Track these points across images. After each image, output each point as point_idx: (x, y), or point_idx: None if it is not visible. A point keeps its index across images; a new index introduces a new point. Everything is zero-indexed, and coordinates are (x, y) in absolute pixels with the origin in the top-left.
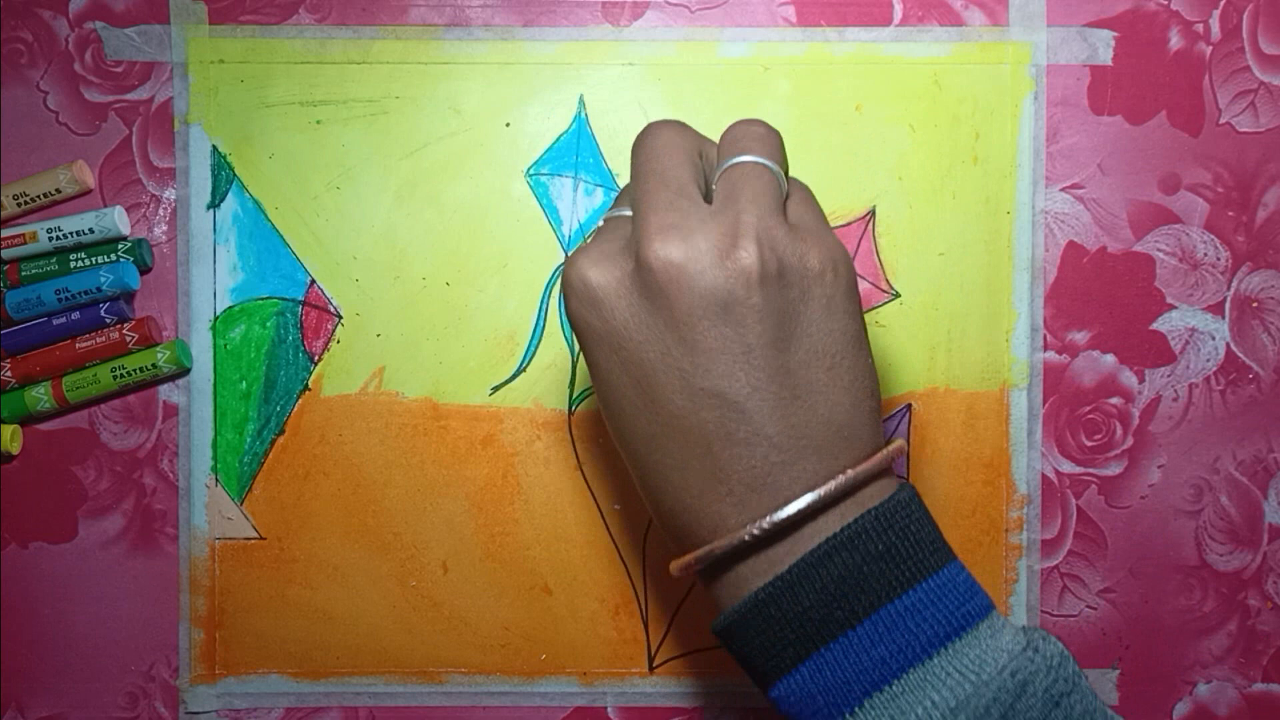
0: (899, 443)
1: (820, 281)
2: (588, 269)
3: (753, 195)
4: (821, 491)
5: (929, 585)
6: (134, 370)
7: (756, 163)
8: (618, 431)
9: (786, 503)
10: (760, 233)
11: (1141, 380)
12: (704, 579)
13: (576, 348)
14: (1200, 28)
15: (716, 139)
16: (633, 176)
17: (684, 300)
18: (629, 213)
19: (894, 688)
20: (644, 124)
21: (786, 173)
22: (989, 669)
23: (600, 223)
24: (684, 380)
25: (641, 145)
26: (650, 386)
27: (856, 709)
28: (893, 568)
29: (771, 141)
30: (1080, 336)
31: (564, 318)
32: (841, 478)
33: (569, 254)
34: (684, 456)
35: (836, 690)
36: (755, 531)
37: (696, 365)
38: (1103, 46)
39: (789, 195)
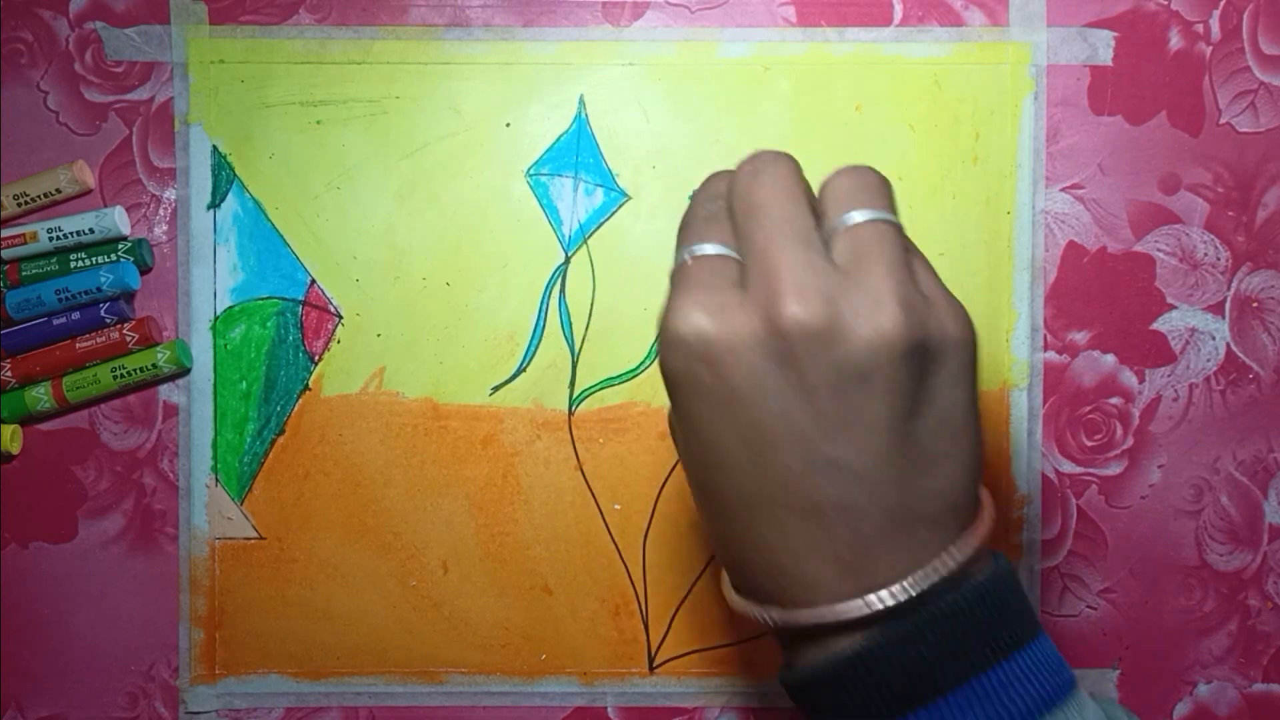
0: (990, 509)
1: (955, 352)
2: (703, 322)
3: (890, 260)
4: (940, 570)
5: (1022, 657)
6: (134, 370)
7: (886, 222)
8: (709, 487)
9: (896, 576)
10: (903, 302)
11: (1142, 380)
12: (779, 634)
13: (577, 347)
14: (1200, 28)
15: (716, 139)
16: (752, 217)
17: (819, 367)
18: (727, 252)
19: None
20: (645, 124)
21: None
22: None
23: (688, 260)
24: (805, 446)
25: (760, 181)
26: (762, 449)
27: None
28: (989, 639)
29: (889, 194)
30: (1080, 336)
31: (565, 317)
32: (952, 558)
33: (671, 301)
34: (788, 520)
35: None
36: (873, 606)
37: (822, 432)
38: (1103, 46)
39: (913, 257)
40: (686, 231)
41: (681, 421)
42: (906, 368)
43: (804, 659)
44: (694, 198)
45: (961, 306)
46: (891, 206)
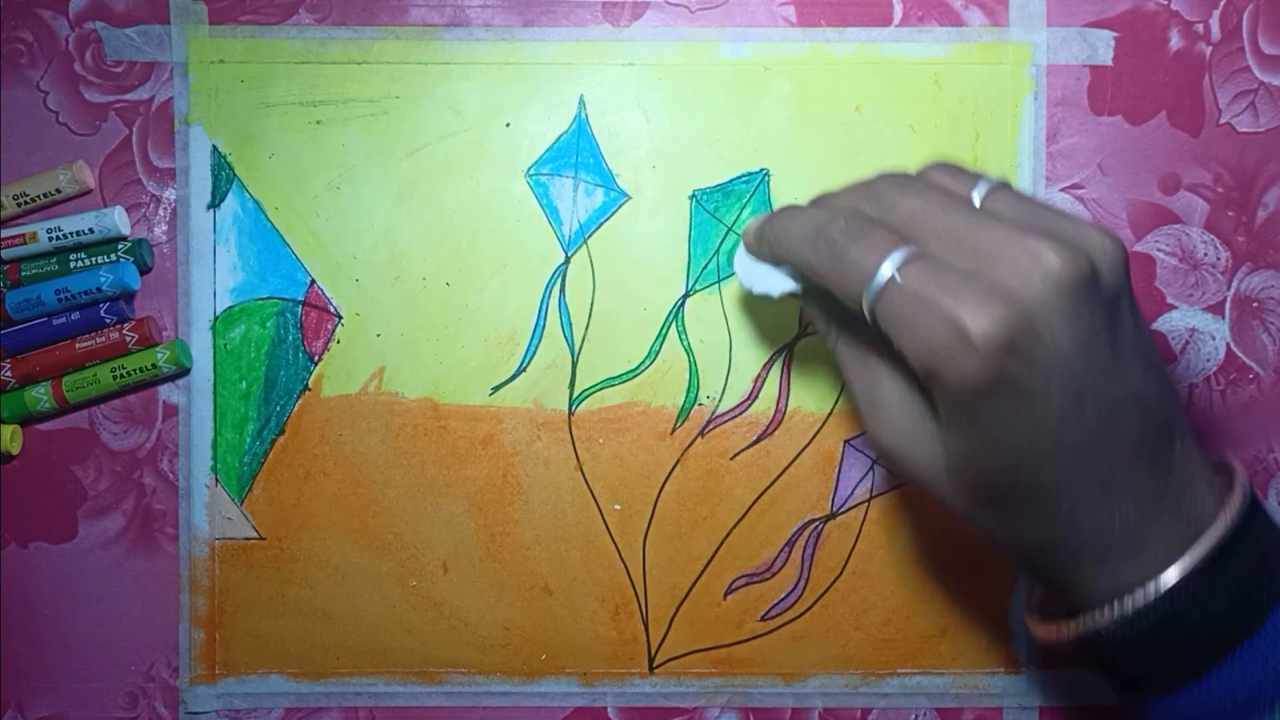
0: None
1: (1127, 268)
2: (1003, 310)
3: (1045, 204)
4: (1239, 499)
5: None
6: (134, 370)
7: (1007, 182)
8: (1019, 480)
9: (1208, 503)
10: (1097, 225)
11: None
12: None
13: (577, 347)
14: (1200, 28)
15: (716, 139)
16: (945, 215)
17: (1096, 307)
18: (917, 250)
19: None
20: (645, 124)
21: None
22: None
23: (896, 278)
24: (1103, 393)
25: (914, 195)
26: (1077, 409)
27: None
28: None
29: (971, 169)
30: None
31: (565, 317)
32: (1239, 478)
33: (952, 313)
34: (1098, 478)
35: (1253, 692)
36: (1212, 544)
37: (1109, 372)
38: (1103, 46)
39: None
40: (837, 263)
41: (983, 428)
42: (1127, 282)
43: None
44: (795, 233)
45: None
46: (981, 173)
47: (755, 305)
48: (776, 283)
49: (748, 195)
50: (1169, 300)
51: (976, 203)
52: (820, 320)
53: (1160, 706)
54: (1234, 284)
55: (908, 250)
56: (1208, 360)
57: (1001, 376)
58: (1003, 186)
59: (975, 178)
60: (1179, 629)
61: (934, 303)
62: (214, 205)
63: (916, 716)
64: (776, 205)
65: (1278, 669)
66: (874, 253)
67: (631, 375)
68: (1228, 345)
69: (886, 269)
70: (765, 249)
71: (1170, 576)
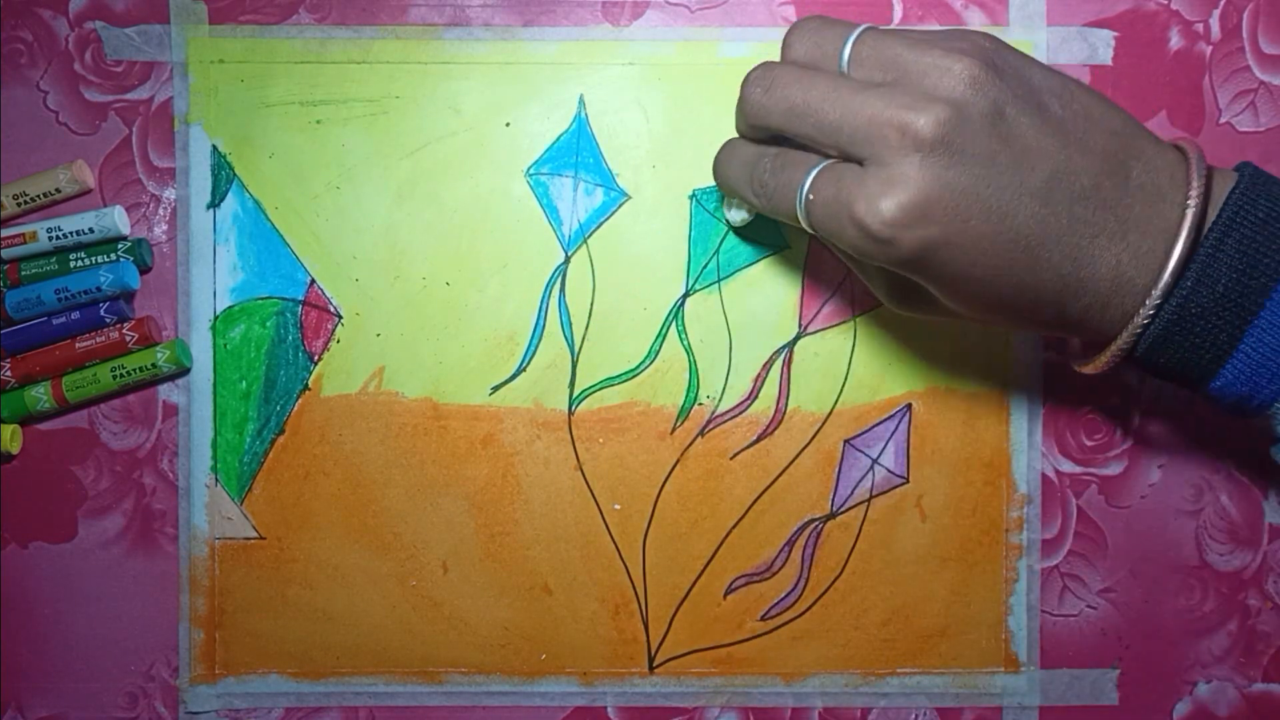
0: (1184, 142)
1: (1000, 49)
2: (892, 197)
3: (903, 43)
4: (1196, 163)
5: None
6: (134, 370)
7: (865, 29)
8: (999, 295)
9: (1168, 208)
10: (953, 51)
11: (1141, 380)
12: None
13: (577, 347)
14: (1200, 27)
15: (716, 139)
16: (815, 113)
17: (976, 138)
18: (827, 162)
19: None
20: (645, 124)
21: None
22: None
23: (810, 194)
24: (1024, 191)
25: (782, 89)
26: (1009, 227)
27: None
28: None
29: (836, 20)
30: None
31: (565, 317)
32: (1193, 165)
33: (852, 213)
34: (1064, 246)
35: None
36: (1182, 243)
37: (1022, 172)
38: (1103, 46)
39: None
40: (774, 191)
41: (942, 280)
42: (1003, 80)
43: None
44: (731, 171)
45: (960, 28)
46: (848, 22)
47: (755, 304)
48: (736, 214)
49: None
50: None
51: (844, 64)
52: (796, 236)
53: (1219, 378)
54: None
55: (816, 167)
56: None
57: (917, 248)
58: (864, 36)
59: (839, 36)
60: (1201, 312)
61: (837, 208)
62: (214, 205)
63: (916, 716)
64: None
65: None
66: (791, 183)
67: (631, 375)
68: None
69: (803, 190)
70: (720, 188)
71: (1165, 279)
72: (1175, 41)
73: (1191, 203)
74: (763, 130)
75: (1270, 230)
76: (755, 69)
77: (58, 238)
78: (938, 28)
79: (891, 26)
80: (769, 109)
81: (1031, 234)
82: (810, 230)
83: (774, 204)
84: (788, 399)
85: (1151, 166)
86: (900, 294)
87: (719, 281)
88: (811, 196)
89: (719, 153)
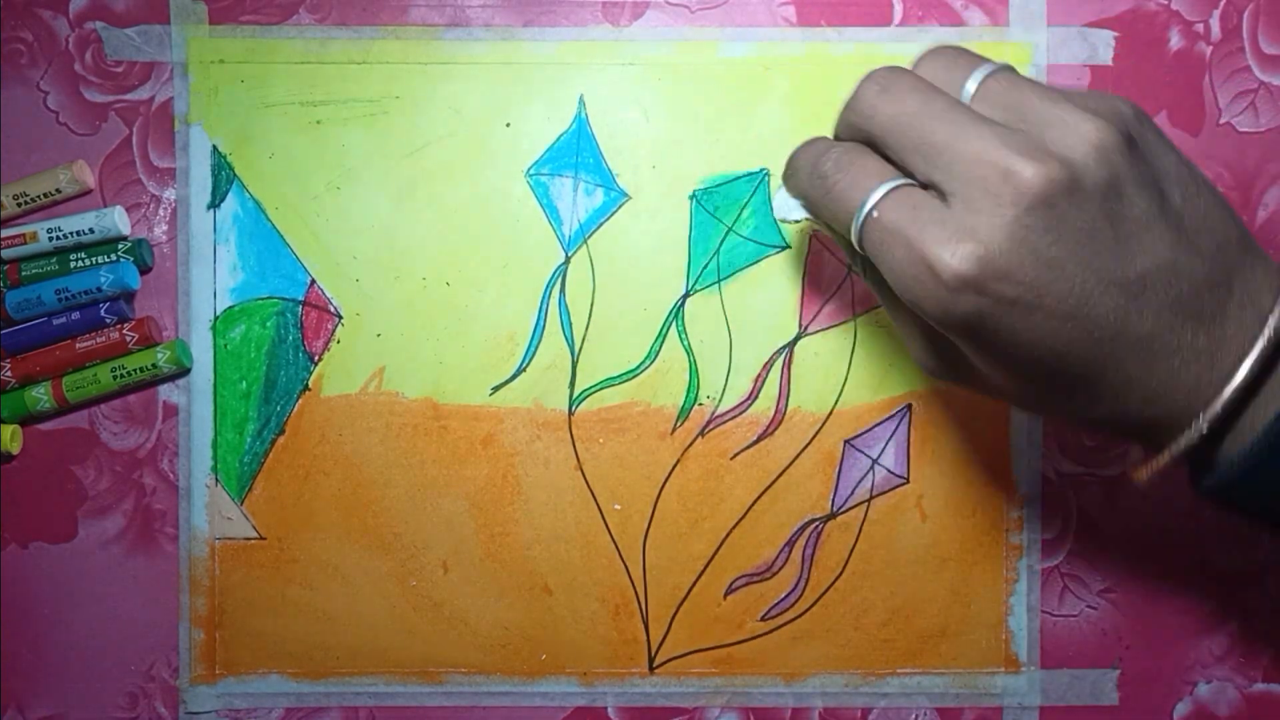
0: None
1: (1143, 124)
2: (974, 245)
3: (1039, 92)
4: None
5: None
6: (134, 370)
7: (1003, 68)
8: (1054, 383)
9: (1250, 330)
10: (1085, 113)
11: None
12: (1197, 454)
13: (577, 348)
14: (1200, 28)
15: (716, 139)
16: (919, 128)
17: (1085, 208)
18: (903, 181)
19: None
20: (645, 124)
21: None
22: None
23: (874, 214)
24: (1117, 281)
25: (898, 94)
26: (1088, 312)
27: None
28: None
29: (976, 53)
30: None
31: (565, 317)
32: None
33: (922, 252)
34: (1142, 352)
35: None
36: (1263, 344)
37: (1122, 259)
38: (1103, 46)
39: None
40: (834, 199)
41: (995, 350)
42: (1134, 158)
43: (1231, 449)
44: (800, 168)
45: (1109, 92)
46: (986, 59)
47: (755, 304)
48: (793, 211)
49: (748, 195)
50: None
51: (968, 96)
52: (844, 248)
53: None
54: None
55: (891, 183)
56: None
57: (979, 310)
58: (998, 74)
59: (971, 67)
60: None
61: (906, 239)
62: (214, 205)
63: (916, 716)
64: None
65: None
66: (857, 187)
67: (631, 375)
68: None
69: (868, 203)
70: (785, 180)
71: (1216, 409)
72: (1175, 42)
73: (1275, 318)
74: (861, 134)
75: None
76: (880, 69)
77: (58, 238)
78: (1082, 89)
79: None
80: (878, 110)
81: (1109, 327)
82: (858, 248)
83: (828, 201)
84: (788, 399)
85: (1254, 283)
86: (936, 354)
87: (719, 281)
88: (876, 214)
89: (801, 144)
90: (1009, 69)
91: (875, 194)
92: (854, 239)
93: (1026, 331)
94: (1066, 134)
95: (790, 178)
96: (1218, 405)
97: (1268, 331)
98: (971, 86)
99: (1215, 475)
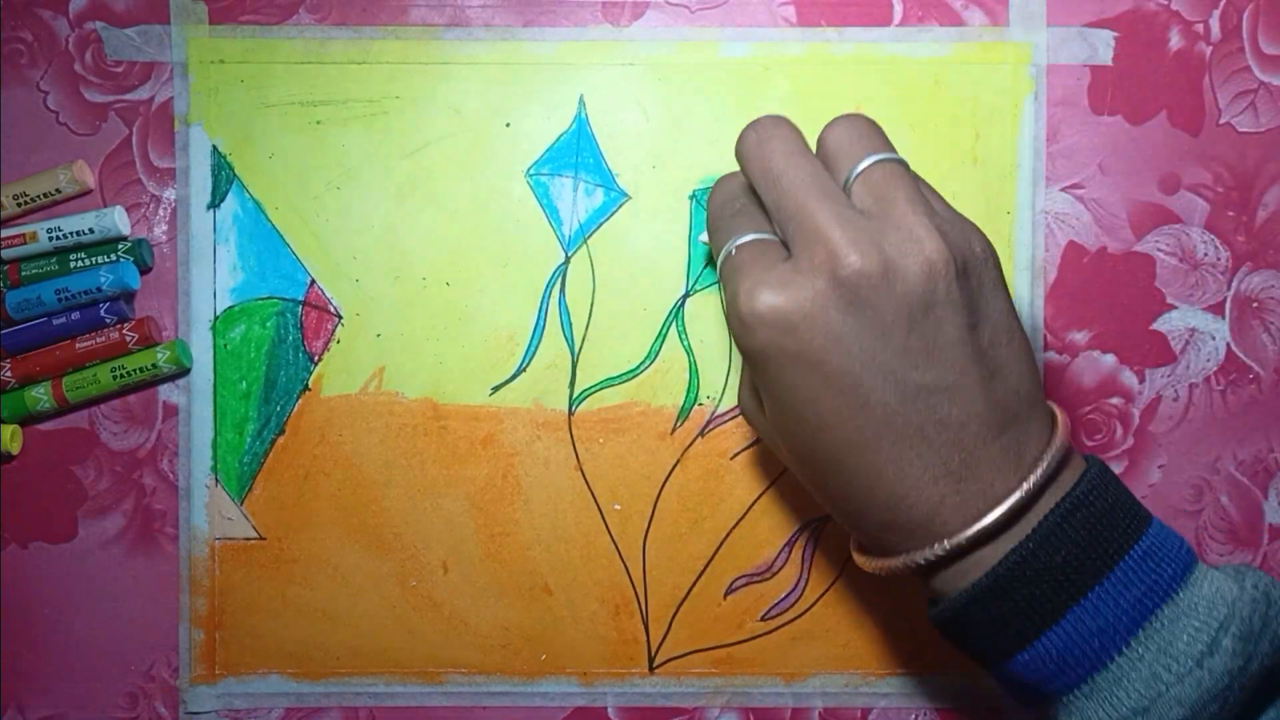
0: (1063, 413)
1: (986, 265)
2: (776, 296)
3: (909, 196)
4: (1042, 469)
5: (1152, 532)
6: (134, 370)
7: (893, 160)
8: (815, 448)
9: (1005, 477)
10: (936, 231)
11: (1142, 380)
12: (919, 572)
13: (577, 347)
14: (1200, 28)
15: (716, 139)
16: (777, 185)
17: (888, 307)
18: (764, 236)
19: (1154, 622)
20: (645, 124)
21: None
22: (1232, 591)
23: (733, 252)
24: (895, 380)
25: (772, 148)
26: (857, 394)
27: (1122, 650)
28: (1122, 519)
29: (883, 134)
30: (1080, 336)
31: (565, 317)
32: (1052, 451)
33: (734, 289)
34: (896, 451)
35: (1095, 639)
36: (1001, 511)
37: (908, 363)
38: (1103, 46)
39: (922, 187)
40: (719, 233)
41: (773, 394)
42: (960, 287)
43: (954, 584)
44: (711, 201)
45: (975, 225)
46: (890, 146)
47: None
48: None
49: None
50: (1169, 300)
51: (855, 175)
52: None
53: (1010, 665)
54: (1234, 284)
55: (756, 235)
56: (1208, 360)
57: (765, 350)
58: (886, 164)
59: (866, 150)
60: (1012, 590)
61: (740, 276)
62: (214, 205)
63: (916, 716)
64: None
65: (1131, 603)
66: (735, 230)
67: (631, 375)
68: (1228, 345)
69: (729, 247)
70: (706, 204)
71: (989, 557)
72: (1175, 42)
73: (1033, 479)
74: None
75: (1121, 507)
76: (764, 119)
77: (58, 238)
78: (953, 212)
79: (921, 178)
80: (750, 161)
81: (874, 420)
82: (718, 275)
83: (712, 238)
84: None
85: (1025, 437)
86: (754, 397)
87: (719, 282)
88: (733, 252)
89: (719, 180)
90: (901, 164)
91: (742, 238)
92: (717, 267)
93: (804, 389)
94: (906, 242)
95: (707, 204)
96: (961, 538)
97: (1025, 486)
98: (860, 168)
99: (936, 607)
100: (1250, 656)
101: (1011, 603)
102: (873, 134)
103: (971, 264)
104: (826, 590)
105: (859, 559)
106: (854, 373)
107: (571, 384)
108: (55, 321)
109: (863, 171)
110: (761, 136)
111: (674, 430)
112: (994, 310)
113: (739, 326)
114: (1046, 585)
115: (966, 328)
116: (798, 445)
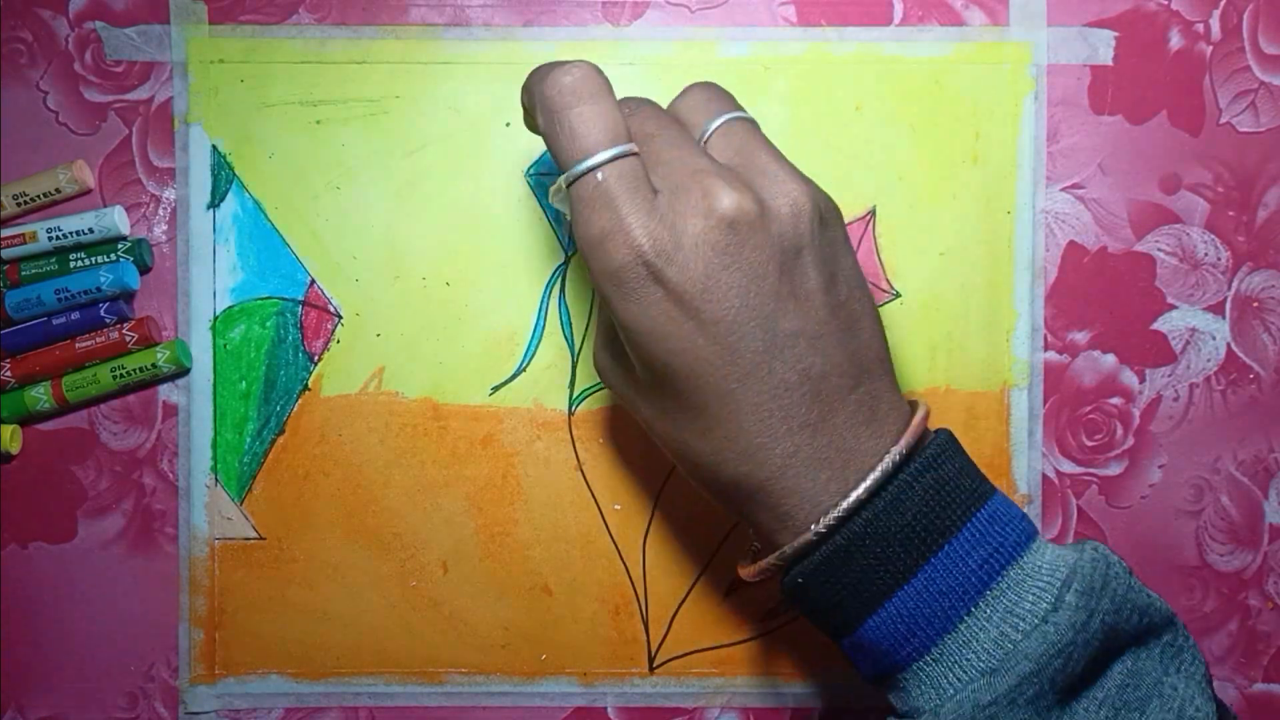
0: (924, 406)
1: (838, 219)
2: (645, 237)
3: (767, 147)
4: (906, 441)
5: (997, 499)
6: (134, 370)
7: (749, 119)
8: (676, 395)
9: (862, 432)
10: (799, 178)
11: (1142, 380)
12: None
13: (577, 347)
14: (1200, 28)
15: None
16: (649, 141)
17: (761, 250)
18: (632, 150)
19: (1000, 584)
20: None
21: None
22: (1073, 555)
23: (599, 176)
24: (767, 325)
25: (644, 113)
26: (730, 338)
27: (971, 611)
28: (968, 484)
29: (734, 98)
30: (1081, 336)
31: (565, 317)
32: (904, 409)
33: (598, 217)
34: (761, 400)
35: (942, 601)
36: (859, 494)
37: (779, 309)
38: (1103, 46)
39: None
40: (573, 141)
41: (641, 337)
42: (822, 234)
43: (807, 549)
44: (547, 80)
45: (815, 183)
46: (741, 107)
47: None
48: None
49: None
50: (1169, 300)
51: (709, 132)
52: (532, 185)
53: (861, 631)
54: (1234, 284)
55: (620, 149)
56: (1208, 360)
57: (645, 288)
58: (739, 121)
59: (718, 110)
60: (885, 536)
61: (615, 208)
62: (214, 205)
63: None
64: None
65: (976, 566)
66: (589, 137)
67: None
68: (1228, 345)
69: (599, 158)
70: (524, 95)
71: (827, 518)
72: (1175, 41)
73: (901, 446)
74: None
75: (968, 474)
76: (627, 98)
77: (58, 238)
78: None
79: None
80: (640, 123)
81: (743, 365)
82: (562, 181)
83: (559, 135)
84: None
85: (878, 394)
86: (612, 356)
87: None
88: (600, 176)
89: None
90: (754, 122)
91: (611, 151)
92: (564, 178)
93: (678, 338)
94: (774, 185)
95: (533, 85)
96: (831, 516)
97: (896, 449)
98: (713, 126)
99: (788, 574)
100: (1092, 612)
101: (864, 561)
102: (724, 96)
103: (827, 214)
104: None
105: (745, 572)
106: (730, 318)
107: (571, 384)
108: (55, 321)
109: (720, 127)
110: (631, 110)
111: None
112: (846, 264)
113: (601, 262)
114: (897, 545)
115: (828, 276)
116: (659, 396)
